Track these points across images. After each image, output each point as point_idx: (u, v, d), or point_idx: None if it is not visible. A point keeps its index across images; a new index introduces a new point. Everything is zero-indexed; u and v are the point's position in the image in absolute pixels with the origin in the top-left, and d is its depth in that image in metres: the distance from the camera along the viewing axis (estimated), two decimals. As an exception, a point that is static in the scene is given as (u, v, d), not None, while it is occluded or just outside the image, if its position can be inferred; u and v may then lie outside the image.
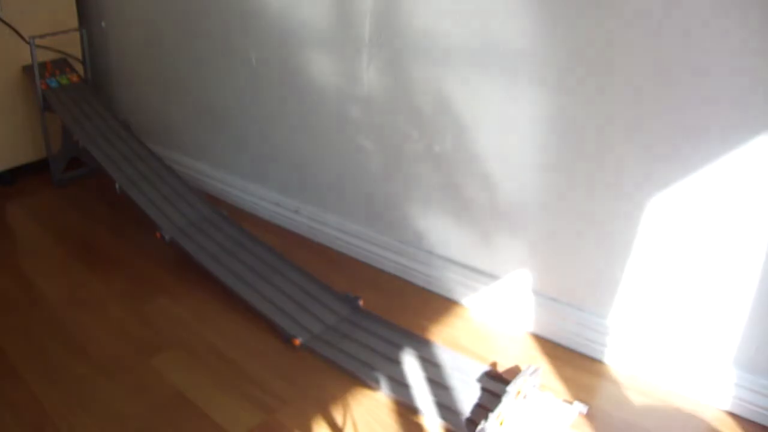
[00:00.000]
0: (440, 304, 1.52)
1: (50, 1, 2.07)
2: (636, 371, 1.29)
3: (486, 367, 1.27)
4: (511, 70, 1.27)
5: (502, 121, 1.32)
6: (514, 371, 1.29)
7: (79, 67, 2.19)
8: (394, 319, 1.42)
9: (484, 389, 1.22)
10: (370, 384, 1.26)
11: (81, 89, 2.11)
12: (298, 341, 1.35)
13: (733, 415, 1.19)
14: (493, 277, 1.46)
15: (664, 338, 1.25)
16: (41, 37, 1.99)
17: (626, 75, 1.13)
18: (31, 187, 2.13)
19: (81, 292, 1.57)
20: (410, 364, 1.29)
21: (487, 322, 1.46)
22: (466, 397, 1.20)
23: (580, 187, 1.26)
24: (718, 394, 1.20)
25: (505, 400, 1.13)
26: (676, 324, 1.23)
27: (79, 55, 2.19)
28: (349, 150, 1.64)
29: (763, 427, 1.16)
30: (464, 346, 1.38)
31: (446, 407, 1.18)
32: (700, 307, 1.20)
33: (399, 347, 1.33)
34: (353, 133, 1.61)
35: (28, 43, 1.96)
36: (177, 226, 1.69)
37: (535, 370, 1.21)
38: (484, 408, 1.16)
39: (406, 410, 1.20)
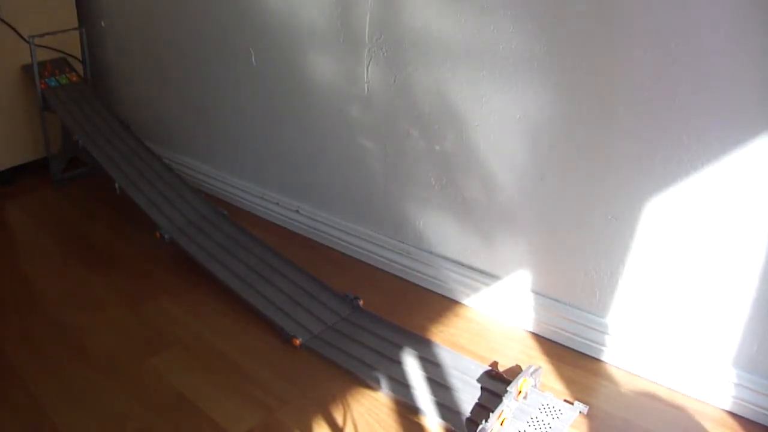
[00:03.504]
0: (440, 304, 1.52)
1: (50, 0, 2.07)
2: (636, 371, 1.29)
3: (486, 367, 1.27)
4: (512, 70, 1.27)
5: (502, 121, 1.32)
6: (515, 371, 1.29)
7: (78, 67, 2.19)
8: (394, 319, 1.41)
9: (484, 389, 1.22)
10: (370, 384, 1.26)
11: (80, 89, 2.11)
12: (298, 341, 1.35)
13: (733, 415, 1.19)
14: (493, 276, 1.46)
15: (664, 338, 1.25)
16: (41, 36, 1.99)
17: (627, 75, 1.13)
18: (31, 187, 2.13)
19: (81, 292, 1.57)
20: (410, 364, 1.29)
21: (488, 321, 1.46)
22: (467, 397, 1.20)
23: (580, 187, 1.26)
24: (718, 394, 1.20)
25: (506, 400, 1.13)
26: (676, 323, 1.23)
27: (79, 55, 2.19)
28: (349, 150, 1.64)
29: (763, 427, 1.16)
30: (464, 346, 1.38)
31: (446, 407, 1.18)
32: (700, 307, 1.20)
33: (399, 347, 1.33)
34: (353, 132, 1.61)
35: (28, 42, 1.96)
36: (177, 226, 1.69)
37: (536, 370, 1.21)
38: (484, 408, 1.16)
39: (407, 410, 1.20)
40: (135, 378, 1.28)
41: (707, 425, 1.17)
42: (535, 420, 1.15)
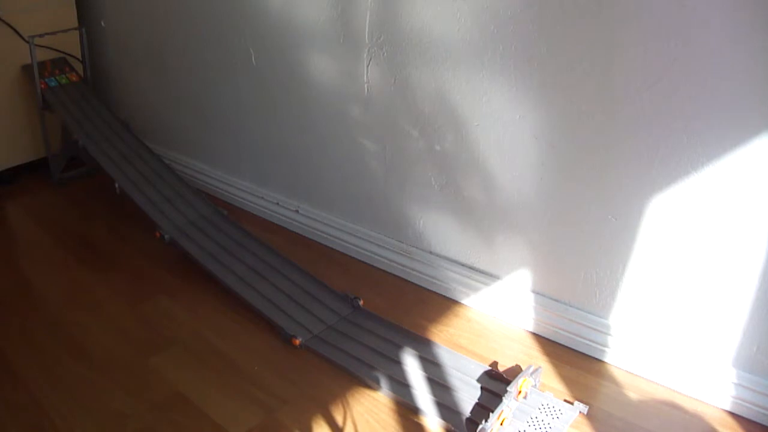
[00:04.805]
0: (440, 304, 1.52)
1: (50, 0, 2.06)
2: (636, 371, 1.29)
3: (486, 367, 1.27)
4: (512, 70, 1.27)
5: (502, 120, 1.32)
6: (515, 371, 1.29)
7: (78, 67, 2.19)
8: (394, 319, 1.41)
9: (484, 389, 1.22)
10: (370, 384, 1.26)
11: (80, 88, 2.11)
12: (297, 341, 1.35)
13: (733, 415, 1.19)
14: (493, 276, 1.46)
15: (664, 338, 1.25)
16: (41, 36, 1.99)
17: (627, 75, 1.13)
18: (31, 187, 2.13)
19: (80, 291, 1.57)
20: (410, 364, 1.29)
21: (488, 321, 1.46)
22: (467, 397, 1.20)
23: (580, 186, 1.26)
24: (718, 394, 1.20)
25: (506, 400, 1.13)
26: (677, 324, 1.23)
27: (79, 55, 2.19)
28: (349, 149, 1.64)
29: (763, 427, 1.16)
30: (464, 346, 1.38)
31: (446, 407, 1.18)
32: (700, 307, 1.20)
33: (399, 347, 1.33)
34: (353, 132, 1.61)
35: (28, 42, 1.96)
36: (176, 226, 1.69)
37: (536, 370, 1.21)
38: (484, 408, 1.16)
39: (406, 410, 1.20)
40: (135, 378, 1.28)
41: (707, 425, 1.17)
42: (535, 420, 1.15)
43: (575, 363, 1.32)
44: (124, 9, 2.14)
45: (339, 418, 1.18)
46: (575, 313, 1.35)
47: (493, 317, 1.47)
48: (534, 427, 1.14)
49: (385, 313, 1.44)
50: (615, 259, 1.26)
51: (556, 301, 1.37)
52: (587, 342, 1.34)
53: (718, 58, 1.03)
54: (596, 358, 1.33)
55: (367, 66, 1.51)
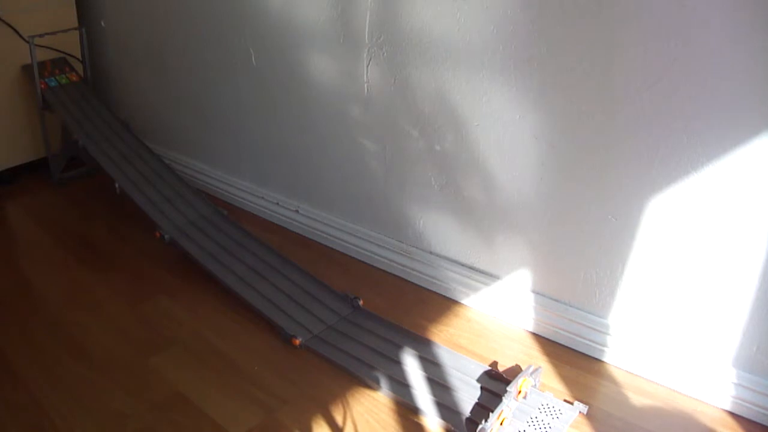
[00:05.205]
0: (440, 304, 1.52)
1: (50, 0, 2.06)
2: (636, 371, 1.29)
3: (486, 367, 1.27)
4: (512, 70, 1.27)
5: (502, 121, 1.32)
6: (515, 371, 1.29)
7: (78, 67, 2.19)
8: (394, 319, 1.41)
9: (484, 389, 1.22)
10: (370, 384, 1.26)
11: (80, 88, 2.11)
12: (297, 341, 1.35)
13: (733, 415, 1.19)
14: (493, 276, 1.46)
15: (664, 338, 1.25)
16: (41, 36, 1.99)
17: (627, 75, 1.13)
18: (31, 187, 2.13)
19: (80, 291, 1.57)
20: (410, 364, 1.29)
21: (487, 321, 1.46)
22: (467, 397, 1.20)
23: (580, 186, 1.26)
24: (718, 394, 1.20)
25: (506, 399, 1.13)
26: (677, 324, 1.23)
27: (79, 55, 2.19)
28: (349, 149, 1.64)
29: (763, 427, 1.16)
30: (464, 346, 1.38)
31: (446, 407, 1.18)
32: (700, 307, 1.20)
33: (399, 347, 1.33)
34: (353, 132, 1.61)
35: (28, 42, 1.96)
36: (176, 226, 1.69)
37: (536, 370, 1.21)
38: (484, 408, 1.16)
39: (406, 410, 1.20)
40: (135, 378, 1.28)
41: (707, 425, 1.17)
42: (534, 420, 1.15)
43: (575, 363, 1.32)
44: (124, 9, 2.14)
45: (339, 418, 1.18)
46: (575, 313, 1.35)
47: (493, 317, 1.47)
48: (534, 427, 1.14)
49: (385, 313, 1.44)
50: (615, 259, 1.26)
51: (556, 301, 1.37)
52: (587, 342, 1.34)
53: (718, 58, 1.03)
54: (596, 358, 1.33)
55: (367, 66, 1.51)
